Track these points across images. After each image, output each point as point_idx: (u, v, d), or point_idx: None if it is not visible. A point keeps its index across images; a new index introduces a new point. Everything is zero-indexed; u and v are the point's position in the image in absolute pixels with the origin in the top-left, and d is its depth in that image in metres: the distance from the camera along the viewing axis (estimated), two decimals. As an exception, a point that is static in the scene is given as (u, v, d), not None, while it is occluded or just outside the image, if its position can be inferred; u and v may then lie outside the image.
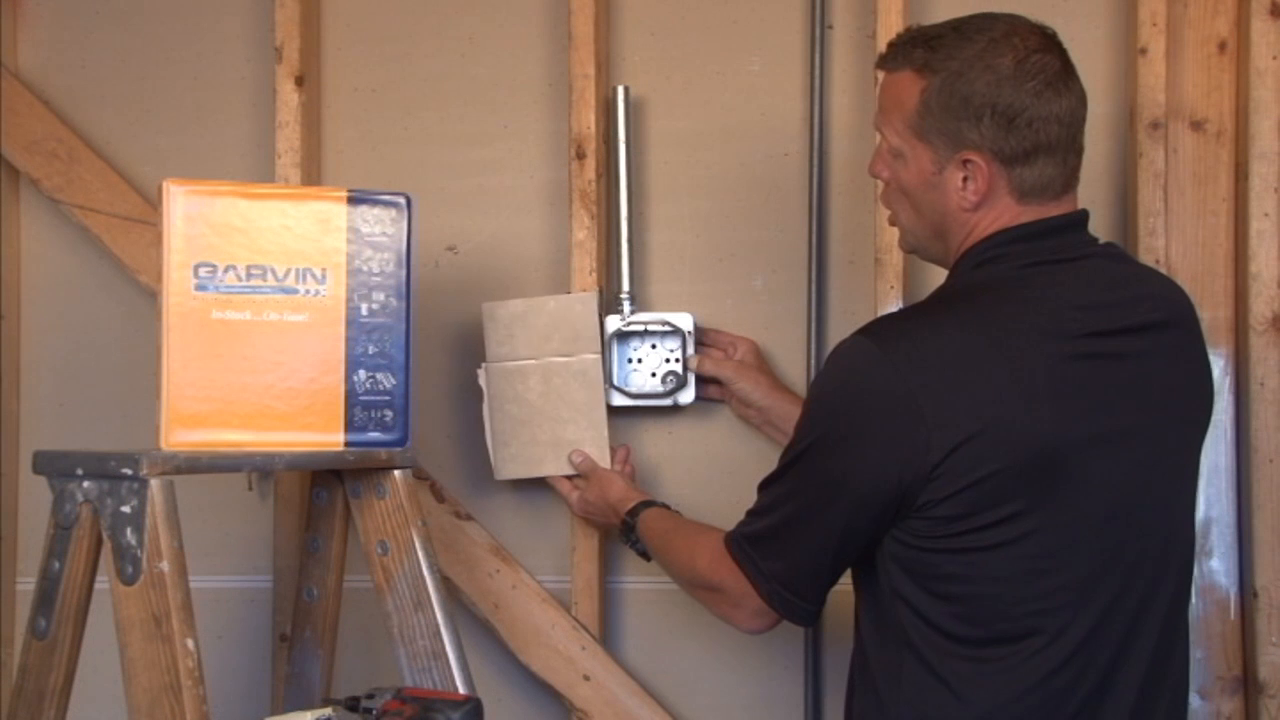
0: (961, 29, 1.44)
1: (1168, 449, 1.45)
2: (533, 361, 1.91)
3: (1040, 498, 1.35)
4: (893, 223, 1.56)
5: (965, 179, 1.43)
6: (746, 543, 1.49)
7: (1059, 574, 1.37)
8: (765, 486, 1.50)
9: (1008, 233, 1.43)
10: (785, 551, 1.45)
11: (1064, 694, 1.37)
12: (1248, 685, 1.88)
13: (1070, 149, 1.44)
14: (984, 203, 1.43)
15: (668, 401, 1.96)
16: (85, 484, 1.44)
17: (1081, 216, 1.47)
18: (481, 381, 1.93)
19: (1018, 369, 1.36)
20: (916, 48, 1.45)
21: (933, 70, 1.42)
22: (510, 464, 1.94)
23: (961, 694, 1.37)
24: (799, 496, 1.44)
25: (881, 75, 1.52)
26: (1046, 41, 1.43)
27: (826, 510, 1.41)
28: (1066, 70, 1.43)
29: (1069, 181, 1.45)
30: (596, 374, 1.90)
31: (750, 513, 1.51)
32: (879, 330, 1.43)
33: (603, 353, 1.92)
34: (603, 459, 1.90)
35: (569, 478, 1.92)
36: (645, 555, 1.79)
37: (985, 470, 1.33)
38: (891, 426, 1.35)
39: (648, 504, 1.80)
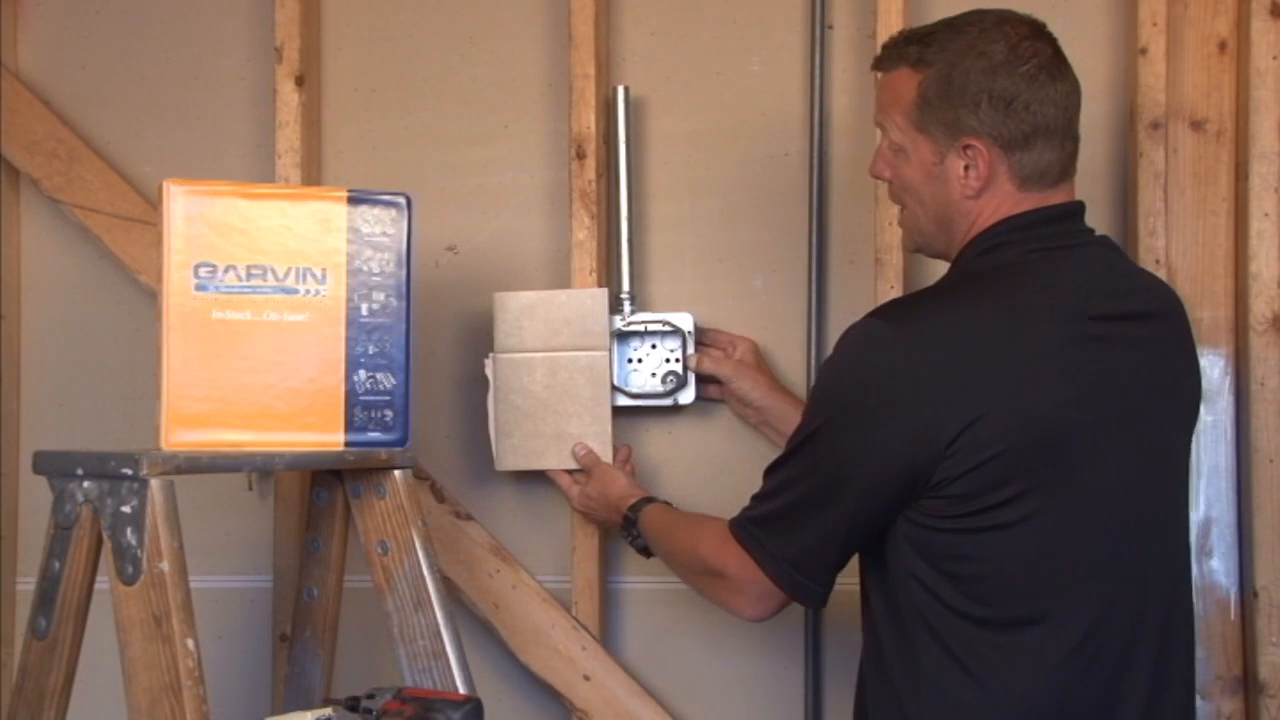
0: (953, 24, 1.48)
1: (1167, 436, 1.48)
2: (540, 354, 1.91)
3: (1050, 477, 1.37)
4: (900, 220, 1.59)
5: (966, 167, 1.46)
6: (753, 526, 1.49)
7: (1071, 553, 1.39)
8: (773, 471, 1.50)
9: (1012, 220, 1.46)
10: (796, 533, 1.46)
11: (1085, 673, 1.38)
12: (1248, 685, 1.87)
13: (1067, 134, 1.47)
14: (986, 190, 1.46)
15: (668, 401, 1.96)
16: (85, 484, 1.44)
17: (1080, 206, 1.50)
18: (488, 371, 1.94)
19: (1028, 349, 1.38)
20: (910, 45, 1.49)
21: (927, 63, 1.46)
22: (511, 455, 1.94)
23: (980, 675, 1.38)
24: (811, 477, 1.44)
25: (878, 77, 1.55)
26: (1037, 30, 1.47)
27: (841, 491, 1.42)
28: (1058, 57, 1.47)
29: (1066, 169, 1.48)
30: (603, 370, 1.91)
31: (756, 497, 1.51)
32: (890, 311, 1.45)
33: (610, 349, 1.92)
34: (605, 455, 1.90)
35: (569, 472, 1.92)
36: (645, 551, 1.80)
37: (998, 448, 1.34)
38: (905, 405, 1.36)
39: (650, 500, 1.81)
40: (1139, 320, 1.45)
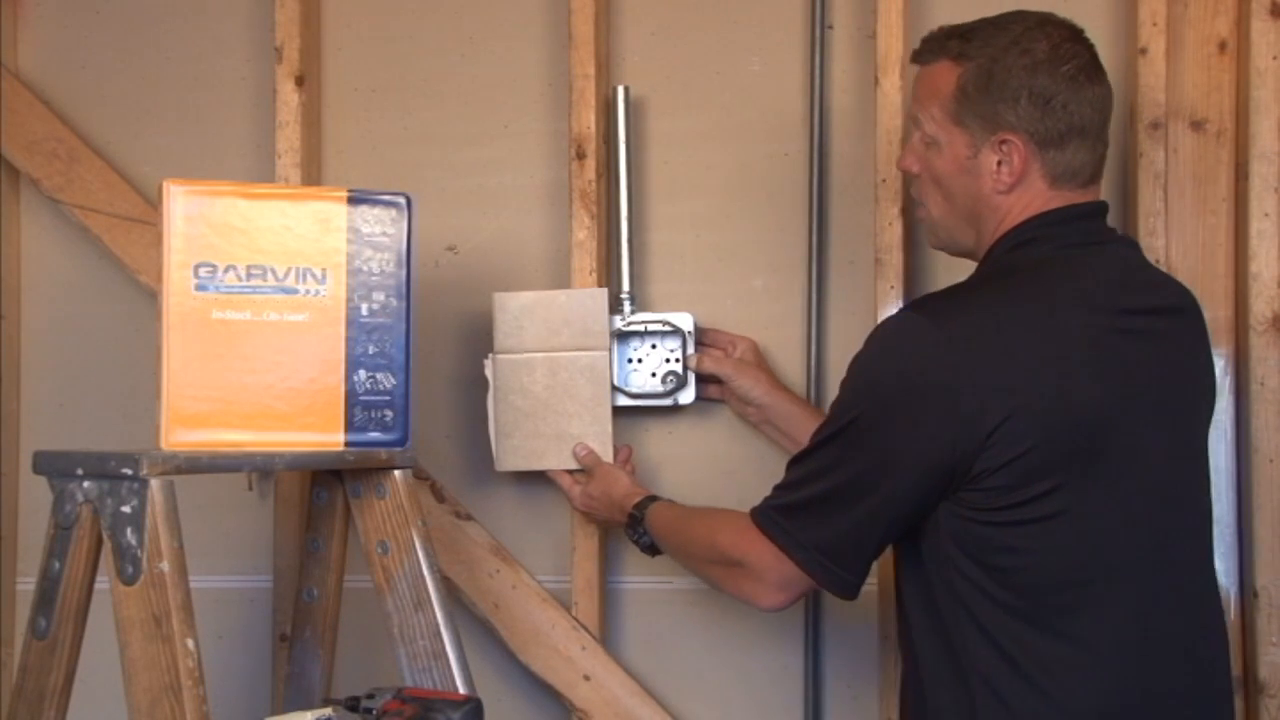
0: (995, 21, 1.51)
1: (1193, 428, 1.50)
2: (540, 354, 1.91)
3: (1087, 469, 1.38)
4: (921, 216, 1.60)
5: (1000, 162, 1.48)
6: (778, 515, 1.49)
7: (1111, 546, 1.40)
8: (799, 461, 1.50)
9: (1043, 216, 1.48)
10: (829, 522, 1.45)
11: (1134, 666, 1.39)
12: (1248, 685, 1.87)
13: (1099, 137, 1.49)
14: (1017, 186, 1.48)
15: (668, 401, 1.96)
16: (85, 484, 1.44)
17: (1104, 206, 1.53)
18: (488, 372, 1.93)
19: (1063, 342, 1.39)
20: (951, 39, 1.51)
21: (969, 57, 1.49)
22: (511, 456, 1.93)
23: (1031, 673, 1.38)
24: (846, 467, 1.44)
25: (916, 70, 1.57)
26: (1076, 34, 1.50)
27: (878, 481, 1.42)
28: (1095, 62, 1.50)
29: (1096, 171, 1.50)
30: (603, 370, 1.90)
31: (781, 487, 1.51)
32: (927, 305, 1.47)
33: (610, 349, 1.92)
34: (606, 455, 1.90)
35: (570, 472, 1.92)
36: (649, 549, 1.80)
37: (1035, 440, 1.35)
38: (944, 397, 1.37)
39: (654, 498, 1.81)
40: (1165, 315, 1.48)
